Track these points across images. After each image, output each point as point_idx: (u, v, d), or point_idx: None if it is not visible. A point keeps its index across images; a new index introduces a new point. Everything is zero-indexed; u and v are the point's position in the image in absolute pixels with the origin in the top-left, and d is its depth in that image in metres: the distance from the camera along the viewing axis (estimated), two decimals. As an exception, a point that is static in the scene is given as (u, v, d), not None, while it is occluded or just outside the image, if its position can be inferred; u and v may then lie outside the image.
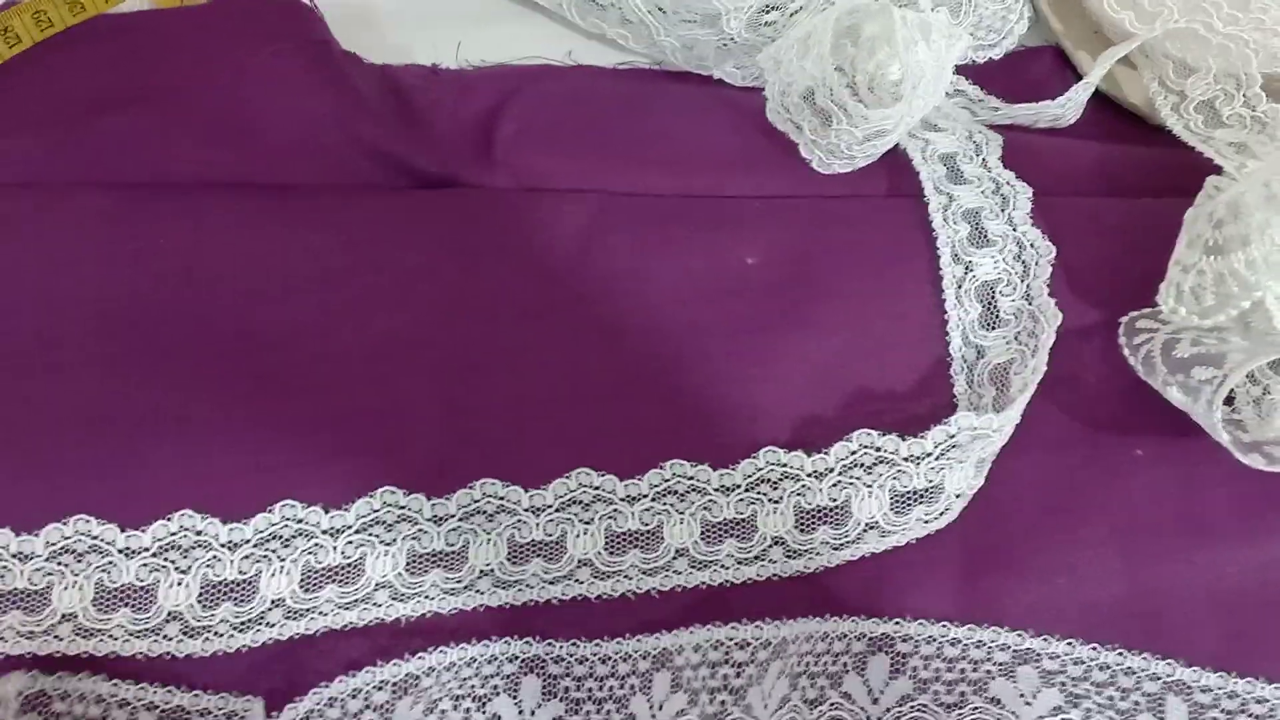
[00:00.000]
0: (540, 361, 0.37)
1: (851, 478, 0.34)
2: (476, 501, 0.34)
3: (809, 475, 0.34)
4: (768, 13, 0.43)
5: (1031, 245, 0.39)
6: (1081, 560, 0.35)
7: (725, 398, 0.36)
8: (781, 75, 0.41)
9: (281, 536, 0.33)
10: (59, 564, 0.32)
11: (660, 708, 0.31)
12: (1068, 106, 0.43)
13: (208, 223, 0.38)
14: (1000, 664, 0.33)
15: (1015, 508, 0.35)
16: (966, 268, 0.38)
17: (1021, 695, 0.33)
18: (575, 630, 0.33)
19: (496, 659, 0.32)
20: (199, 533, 0.33)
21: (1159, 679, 0.33)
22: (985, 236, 0.39)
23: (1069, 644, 0.34)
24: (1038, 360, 0.36)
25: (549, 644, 0.32)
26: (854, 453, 0.35)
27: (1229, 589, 0.34)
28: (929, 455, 0.34)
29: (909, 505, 0.34)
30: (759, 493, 0.35)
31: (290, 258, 0.37)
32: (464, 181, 0.40)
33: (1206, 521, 0.35)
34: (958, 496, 0.35)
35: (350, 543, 0.33)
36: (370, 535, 0.34)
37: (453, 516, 0.34)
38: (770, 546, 0.34)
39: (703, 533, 0.34)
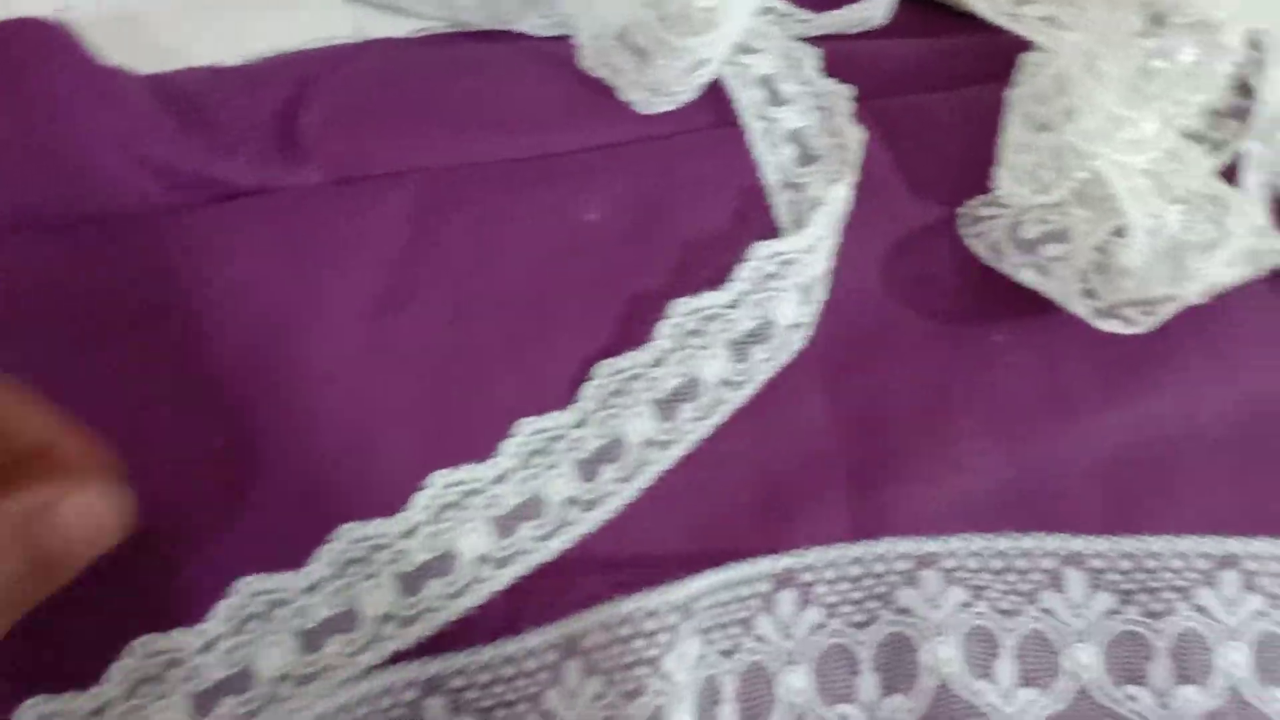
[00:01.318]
0: (391, 364, 0.35)
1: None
2: (346, 551, 0.32)
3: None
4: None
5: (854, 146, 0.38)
6: (962, 455, 0.35)
7: (590, 359, 0.35)
8: (592, 18, 0.40)
9: (150, 678, 0.31)
10: None
11: (574, 695, 0.30)
12: (875, 6, 0.42)
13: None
14: (903, 572, 0.33)
15: (890, 417, 0.35)
16: (797, 188, 0.38)
17: (928, 599, 0.33)
18: (469, 638, 0.31)
19: (392, 690, 0.30)
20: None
21: (1054, 555, 0.34)
22: (811, 155, 0.38)
23: (963, 539, 0.34)
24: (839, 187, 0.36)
25: (445, 659, 0.31)
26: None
27: (1106, 455, 0.35)
28: (748, 293, 0.34)
29: (747, 350, 0.34)
30: None
31: (92, 297, 0.34)
32: (273, 184, 0.38)
33: (1074, 394, 0.36)
34: (795, 327, 0.35)
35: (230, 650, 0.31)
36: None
37: (332, 577, 0.32)
38: None
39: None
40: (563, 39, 0.41)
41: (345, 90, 0.39)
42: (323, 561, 0.31)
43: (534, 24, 0.42)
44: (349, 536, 0.32)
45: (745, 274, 0.35)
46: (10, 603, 0.26)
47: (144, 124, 0.37)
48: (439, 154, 0.38)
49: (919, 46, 0.43)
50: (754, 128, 0.39)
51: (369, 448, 0.33)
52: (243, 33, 0.41)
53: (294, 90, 0.39)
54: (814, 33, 0.43)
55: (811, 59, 0.40)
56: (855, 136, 0.38)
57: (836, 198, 0.36)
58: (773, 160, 0.38)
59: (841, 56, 0.41)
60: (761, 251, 0.35)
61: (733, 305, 0.34)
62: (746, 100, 0.39)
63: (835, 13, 0.43)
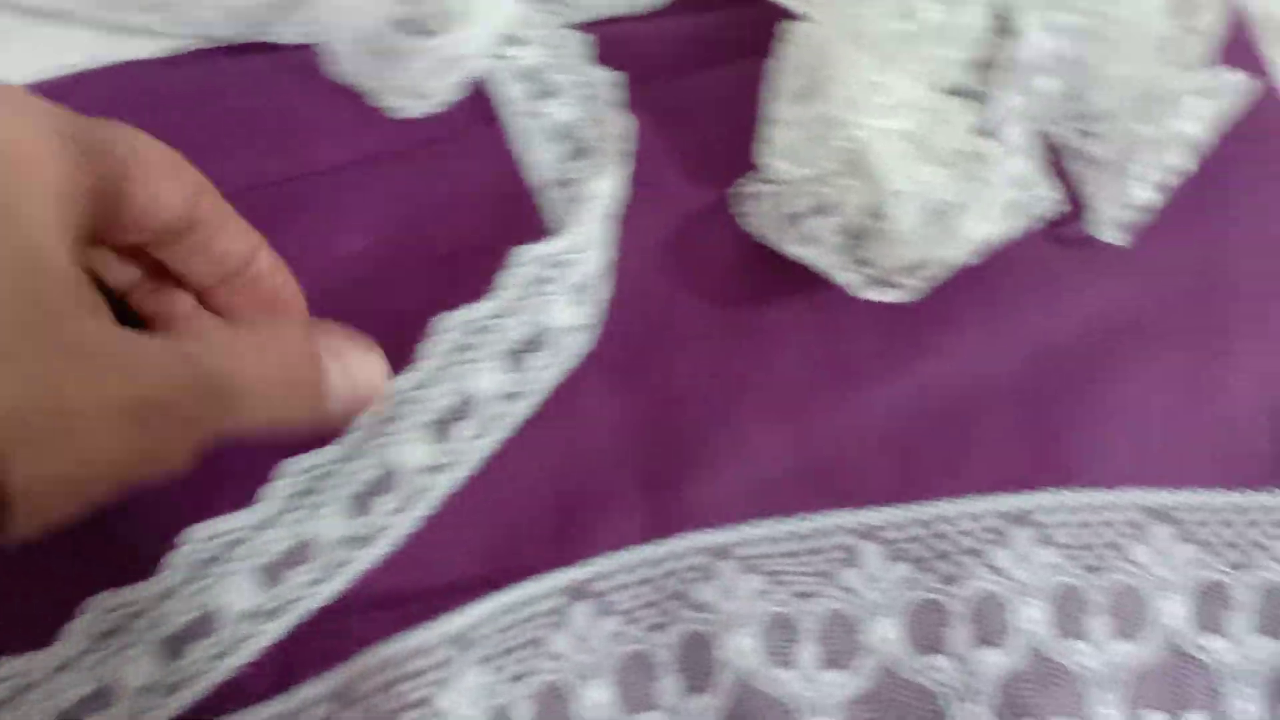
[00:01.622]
0: None
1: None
2: (98, 623, 0.30)
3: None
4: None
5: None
6: (750, 442, 0.34)
7: None
8: (341, 22, 0.38)
9: None
10: None
11: None
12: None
13: None
14: (698, 567, 0.33)
15: (679, 411, 0.35)
16: (567, 185, 0.37)
17: (724, 591, 0.32)
18: (241, 699, 0.30)
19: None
20: None
21: (849, 530, 0.33)
22: (584, 150, 0.37)
23: (756, 525, 0.33)
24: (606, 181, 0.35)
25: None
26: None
27: (894, 423, 0.35)
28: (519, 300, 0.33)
29: (523, 360, 0.34)
30: None
31: None
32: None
33: (857, 365, 0.35)
34: (574, 330, 0.34)
35: None
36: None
37: (85, 652, 0.30)
38: None
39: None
40: (316, 47, 0.39)
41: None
42: (74, 637, 0.30)
43: (285, 33, 0.40)
44: (100, 607, 0.30)
45: (512, 281, 0.33)
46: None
47: None
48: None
49: (696, 23, 0.42)
50: (517, 125, 0.37)
51: (118, 509, 0.31)
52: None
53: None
54: (590, 17, 0.42)
55: (581, 47, 0.39)
56: (622, 126, 0.37)
57: (603, 192, 0.35)
58: (540, 158, 0.37)
59: (616, 41, 0.40)
60: (527, 256, 0.33)
61: (500, 315, 0.33)
62: (511, 96, 0.38)
63: (604, -5, 0.42)
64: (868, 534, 0.33)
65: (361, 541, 0.32)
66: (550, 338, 0.34)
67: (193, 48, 0.40)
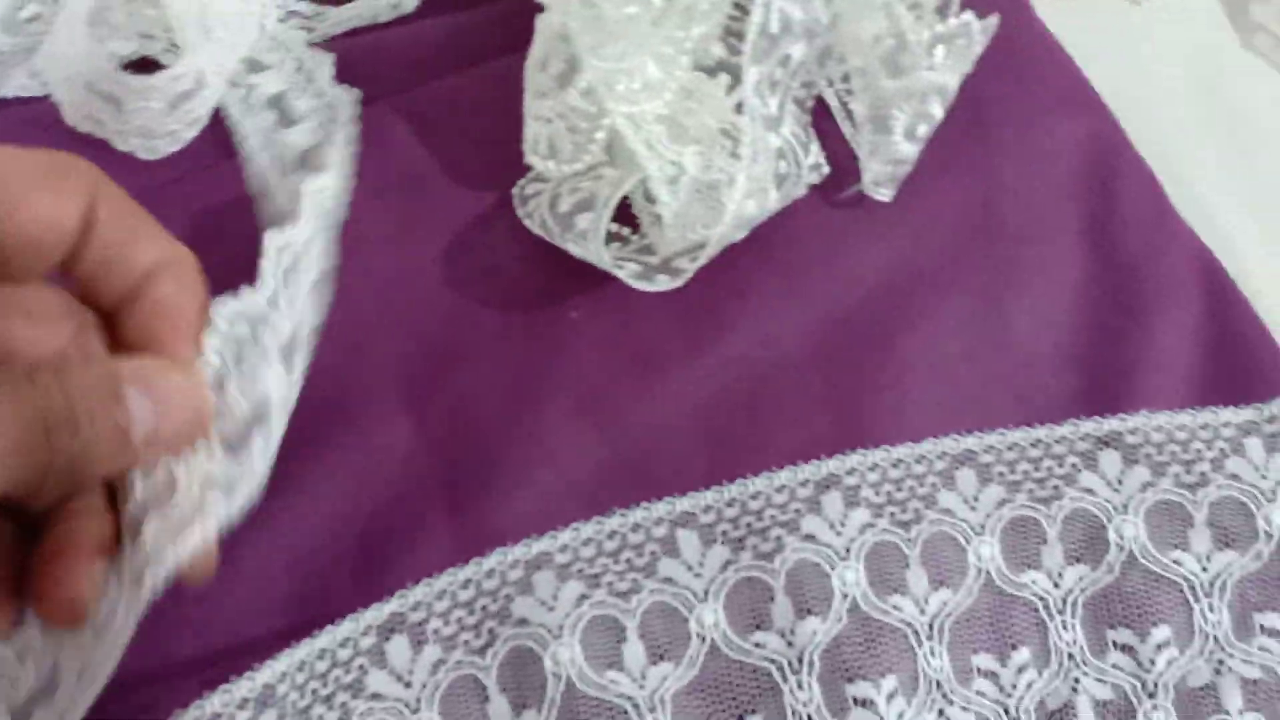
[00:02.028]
0: None
1: None
2: None
3: None
4: (22, 9, 0.37)
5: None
6: (555, 446, 0.34)
7: None
8: (62, 72, 0.36)
9: None
10: None
11: None
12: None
13: None
14: (515, 582, 0.32)
15: (478, 423, 0.34)
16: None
17: (543, 602, 0.32)
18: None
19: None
20: None
21: (664, 520, 0.33)
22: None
23: (573, 530, 0.33)
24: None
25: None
26: None
27: (699, 406, 0.35)
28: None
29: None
30: None
31: None
32: None
33: (657, 353, 0.35)
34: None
35: None
36: None
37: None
38: None
39: None
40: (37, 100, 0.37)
41: None
42: None
43: (21, 86, 0.38)
44: None
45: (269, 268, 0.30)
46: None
47: None
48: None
49: (449, 25, 0.41)
50: (257, 156, 0.36)
51: None
52: None
53: None
54: (345, 28, 0.41)
55: (325, 67, 0.38)
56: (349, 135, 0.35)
57: (320, 187, 0.32)
58: (279, 186, 0.35)
59: (365, 51, 0.39)
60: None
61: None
62: (251, 127, 0.36)
63: (358, 4, 0.40)
64: (683, 521, 0.33)
65: None
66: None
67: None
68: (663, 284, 0.33)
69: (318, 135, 0.36)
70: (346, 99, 0.37)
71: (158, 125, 0.35)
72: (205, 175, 0.36)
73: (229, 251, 0.34)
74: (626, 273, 0.33)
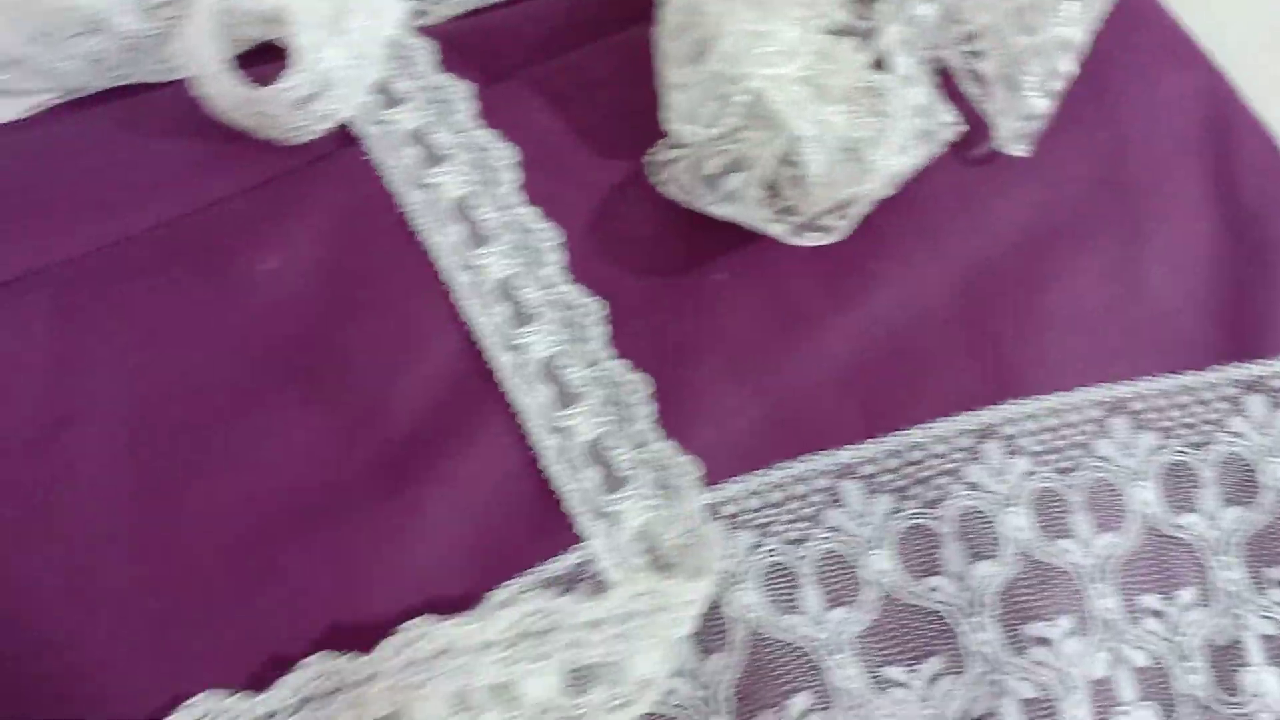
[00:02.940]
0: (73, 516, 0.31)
1: None
2: (311, 685, 0.29)
3: None
4: (158, -5, 0.37)
5: (486, 148, 0.36)
6: (710, 405, 0.34)
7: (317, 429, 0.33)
8: (195, 62, 0.36)
9: None
10: None
11: None
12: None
13: None
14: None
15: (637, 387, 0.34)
16: (431, 189, 0.36)
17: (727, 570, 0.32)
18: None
19: None
20: None
21: (826, 473, 0.33)
22: (435, 154, 0.36)
23: (738, 482, 0.33)
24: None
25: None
26: None
27: (848, 361, 0.35)
28: None
29: None
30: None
31: None
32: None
33: (803, 311, 0.35)
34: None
35: None
36: None
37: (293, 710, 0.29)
38: None
39: None
40: (184, 86, 0.37)
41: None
42: (285, 690, 0.29)
43: (149, 72, 0.38)
44: (315, 669, 0.29)
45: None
46: None
47: None
48: (67, 246, 0.34)
49: (565, 2, 0.41)
50: (371, 137, 0.36)
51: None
52: None
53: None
54: (457, 11, 0.41)
55: (425, 52, 0.38)
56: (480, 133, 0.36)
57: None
58: (396, 163, 0.36)
59: (491, 31, 0.40)
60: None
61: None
62: (360, 111, 0.36)
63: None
64: (846, 473, 0.33)
65: None
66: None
67: (57, 100, 0.38)
68: (814, 240, 0.34)
69: (421, 118, 0.36)
70: (457, 88, 0.37)
71: (288, 122, 0.35)
72: (333, 161, 0.36)
73: (364, 236, 0.35)
74: (779, 230, 0.34)
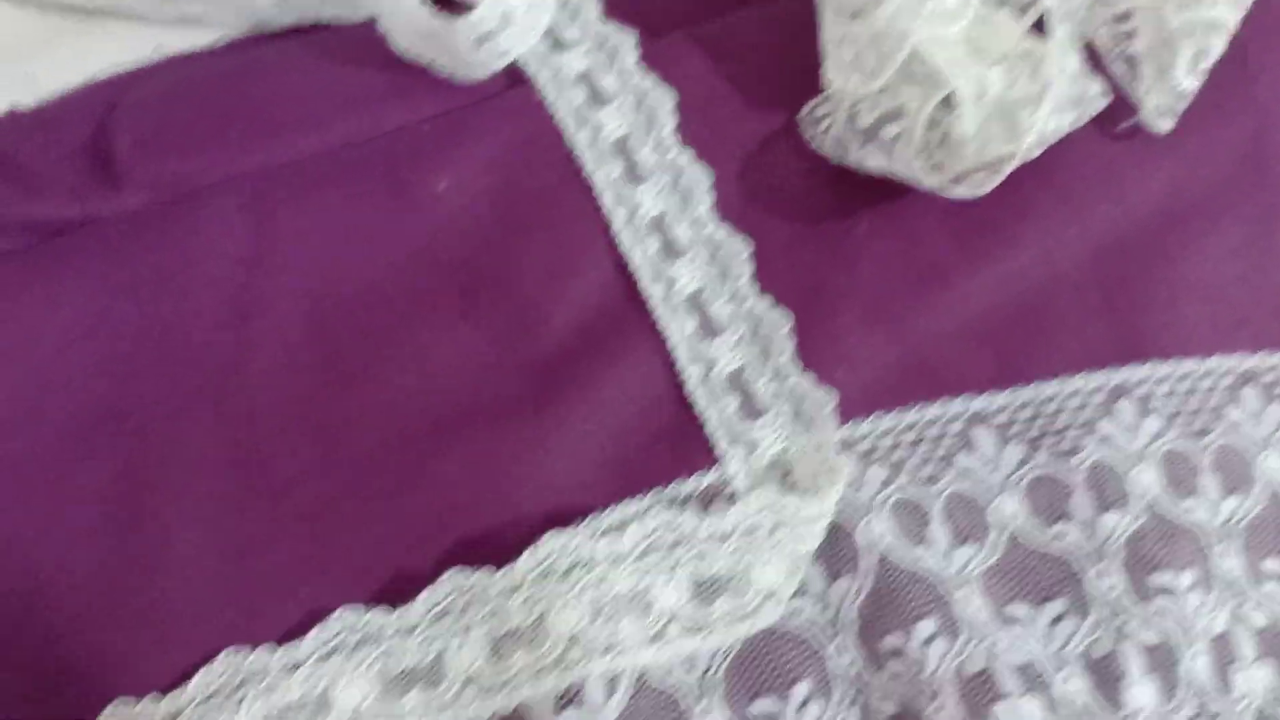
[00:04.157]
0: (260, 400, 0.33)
1: None
2: (450, 598, 0.30)
3: None
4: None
5: (647, 92, 0.38)
6: (848, 348, 0.35)
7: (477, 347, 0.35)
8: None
9: (224, 690, 0.29)
10: None
11: None
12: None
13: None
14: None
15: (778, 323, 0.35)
16: (595, 128, 0.38)
17: (850, 483, 0.33)
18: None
19: None
20: None
21: (957, 419, 0.34)
22: (599, 96, 0.38)
23: (873, 420, 0.34)
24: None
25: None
26: None
27: (982, 315, 0.36)
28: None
29: None
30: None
31: None
32: (94, 215, 0.36)
33: (940, 265, 0.36)
34: None
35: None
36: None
37: (430, 623, 0.30)
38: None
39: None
40: (369, 24, 0.39)
41: (152, 108, 0.37)
42: (422, 606, 0.30)
43: (335, 12, 0.41)
44: (454, 583, 0.30)
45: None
46: None
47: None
48: (262, 155, 0.37)
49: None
50: (540, 76, 0.39)
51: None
52: (35, 71, 0.38)
53: (99, 118, 0.37)
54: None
55: (591, 3, 0.40)
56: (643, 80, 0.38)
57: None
58: (563, 104, 0.38)
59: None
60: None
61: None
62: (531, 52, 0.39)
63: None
64: (978, 420, 0.34)
65: None
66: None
67: (247, 35, 0.41)
68: (964, 193, 0.35)
69: (586, 61, 0.39)
70: (622, 37, 0.39)
71: (468, 57, 0.37)
72: (502, 99, 0.38)
73: (530, 167, 0.37)
74: (933, 180, 0.35)
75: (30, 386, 0.33)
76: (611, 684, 0.30)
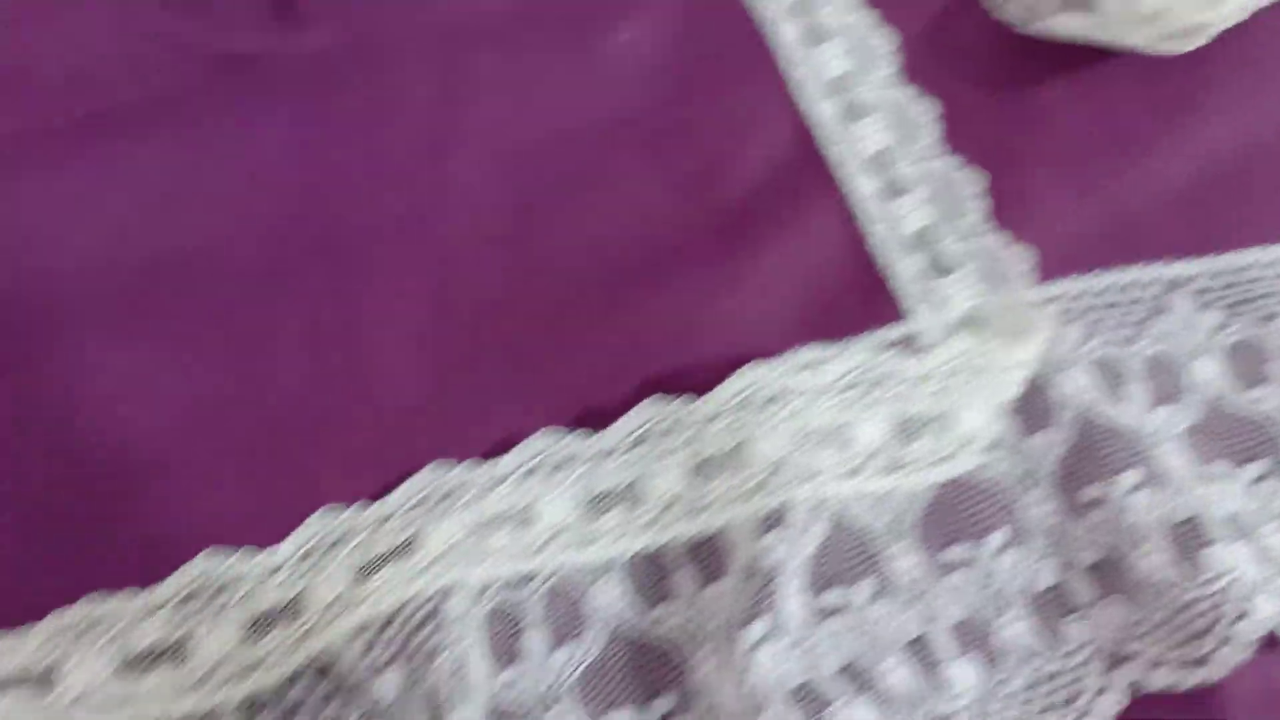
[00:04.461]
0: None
1: None
2: (645, 425, 0.30)
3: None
4: None
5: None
6: (1043, 207, 0.35)
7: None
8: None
9: (431, 498, 0.29)
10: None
11: None
12: None
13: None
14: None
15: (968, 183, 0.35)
16: None
17: (1048, 340, 0.32)
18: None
19: None
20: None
21: (1156, 283, 0.34)
22: None
23: (1071, 280, 0.33)
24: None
25: None
26: None
27: (1179, 184, 0.35)
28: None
29: None
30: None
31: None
32: (280, 52, 0.36)
33: (1136, 134, 0.36)
34: None
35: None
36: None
37: (631, 447, 0.30)
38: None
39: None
40: None
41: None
42: (623, 430, 0.30)
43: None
44: (651, 411, 0.30)
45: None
46: None
47: (137, 8, 0.35)
48: (451, 10, 0.37)
49: None
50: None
51: None
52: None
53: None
54: None
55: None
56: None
57: None
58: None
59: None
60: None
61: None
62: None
63: None
64: (1176, 285, 0.34)
65: None
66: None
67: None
68: (1169, 49, 0.34)
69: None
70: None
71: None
72: None
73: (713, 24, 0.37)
74: (1138, 38, 0.34)
75: (231, 207, 0.33)
76: (813, 512, 0.29)
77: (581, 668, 0.28)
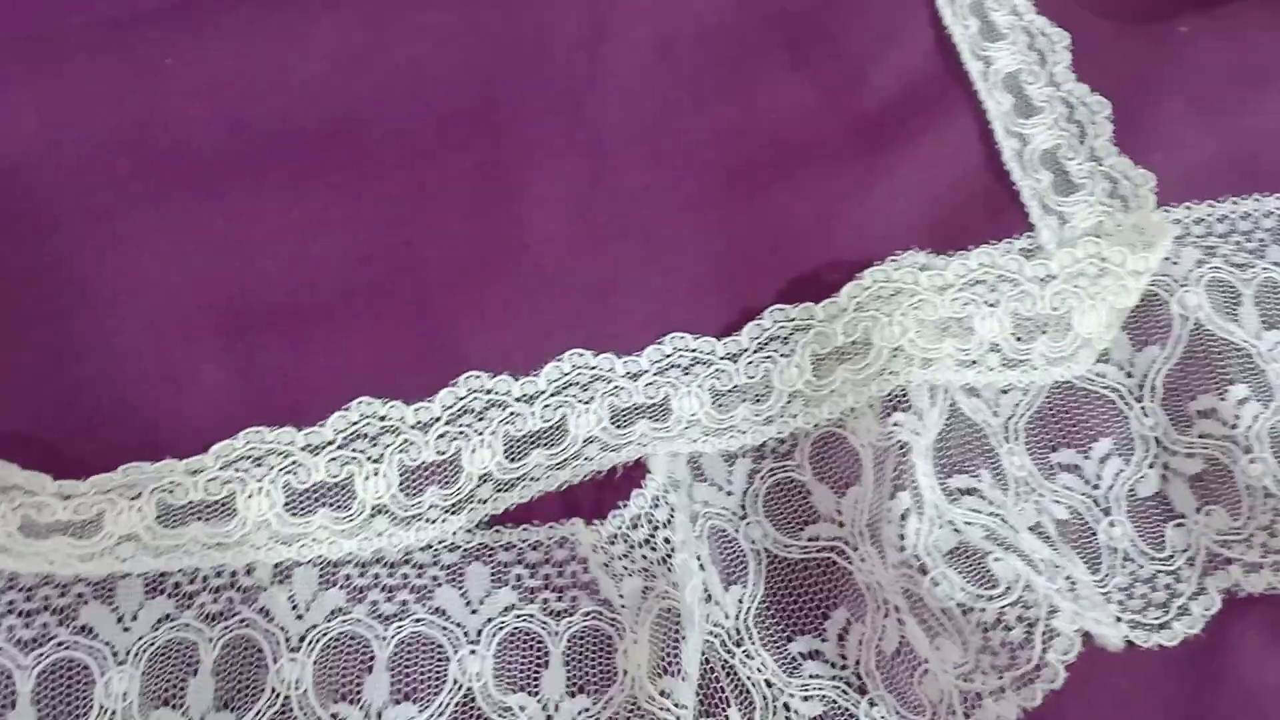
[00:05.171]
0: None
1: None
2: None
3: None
4: None
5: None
6: (1171, 132, 0.36)
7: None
8: None
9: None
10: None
11: None
12: None
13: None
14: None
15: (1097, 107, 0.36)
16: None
17: (1166, 257, 0.33)
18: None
19: None
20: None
21: (1272, 214, 0.35)
22: None
23: (1187, 207, 0.34)
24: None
25: None
26: None
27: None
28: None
29: None
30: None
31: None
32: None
33: (1266, 69, 0.37)
34: None
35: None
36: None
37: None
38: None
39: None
40: None
41: None
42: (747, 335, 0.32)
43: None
44: (778, 314, 0.32)
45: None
46: None
47: None
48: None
49: None
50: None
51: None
52: None
53: None
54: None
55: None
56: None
57: None
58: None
59: None
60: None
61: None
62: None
63: None
64: (1296, 215, 0.34)
65: None
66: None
67: None
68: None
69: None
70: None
71: None
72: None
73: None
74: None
75: (402, 79, 0.35)
76: (933, 396, 0.31)
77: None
